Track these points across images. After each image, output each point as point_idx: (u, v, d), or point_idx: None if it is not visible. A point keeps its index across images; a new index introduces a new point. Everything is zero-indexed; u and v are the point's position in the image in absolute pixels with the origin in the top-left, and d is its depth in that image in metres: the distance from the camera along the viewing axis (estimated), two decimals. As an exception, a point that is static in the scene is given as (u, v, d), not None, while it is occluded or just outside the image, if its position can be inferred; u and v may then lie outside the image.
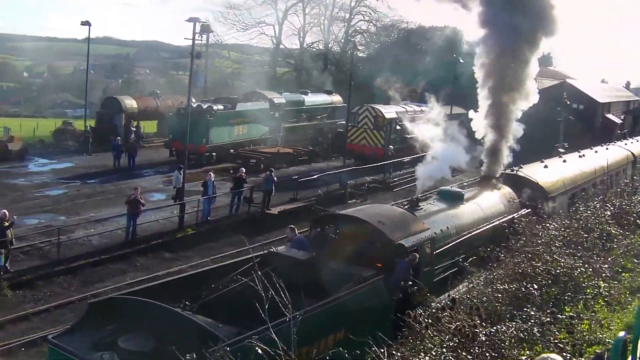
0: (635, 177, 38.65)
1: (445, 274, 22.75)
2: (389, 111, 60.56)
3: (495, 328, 12.68)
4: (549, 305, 14.88)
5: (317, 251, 20.30)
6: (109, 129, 60.68)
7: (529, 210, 29.19)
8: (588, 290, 15.87)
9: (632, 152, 46.48)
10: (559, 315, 13.95)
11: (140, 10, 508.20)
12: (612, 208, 24.61)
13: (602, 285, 16.20)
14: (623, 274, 17.81)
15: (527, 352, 12.11)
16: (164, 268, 31.34)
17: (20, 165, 52.56)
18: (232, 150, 56.95)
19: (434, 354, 11.94)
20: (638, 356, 9.23)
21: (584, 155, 41.50)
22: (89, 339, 14.27)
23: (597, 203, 25.67)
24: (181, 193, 39.42)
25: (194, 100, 49.59)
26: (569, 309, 14.72)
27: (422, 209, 24.28)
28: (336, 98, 75.43)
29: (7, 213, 29.26)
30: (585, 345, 12.59)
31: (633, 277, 17.62)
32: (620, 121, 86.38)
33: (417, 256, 20.42)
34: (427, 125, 33.67)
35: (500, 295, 15.37)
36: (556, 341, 12.45)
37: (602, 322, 13.95)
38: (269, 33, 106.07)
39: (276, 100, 64.40)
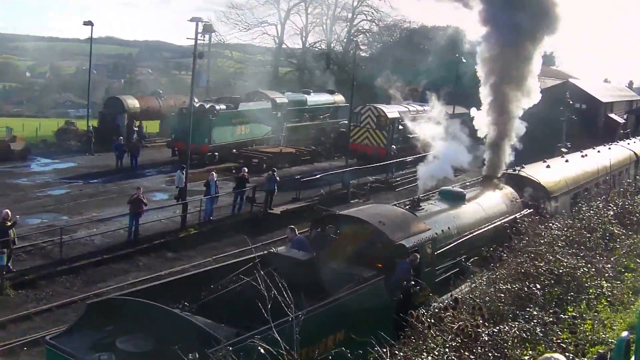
0: (638, 177, 38.62)
1: (447, 274, 22.72)
2: (391, 111, 60.53)
3: (497, 328, 12.66)
4: (552, 305, 14.85)
5: (318, 251, 20.21)
6: (112, 129, 60.68)
7: (531, 210, 29.11)
8: (591, 290, 15.84)
9: (634, 152, 46.37)
10: (561, 315, 13.94)
11: (142, 10, 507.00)
12: (615, 208, 24.57)
13: (605, 285, 16.17)
14: (626, 274, 17.77)
15: (530, 352, 12.08)
16: (167, 268, 31.34)
17: (23, 165, 52.64)
18: (234, 150, 56.98)
19: (436, 353, 11.92)
20: (641, 356, 9.22)
21: (586, 155, 41.43)
22: (87, 339, 14.23)
23: (600, 203, 25.63)
24: (184, 193, 39.40)
25: (196, 100, 49.63)
26: (571, 309, 14.69)
27: (423, 209, 24.22)
28: (339, 98, 75.40)
29: (9, 213, 29.29)
30: (588, 345, 12.57)
31: (636, 277, 17.59)
32: (623, 121, 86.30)
33: (418, 256, 20.37)
34: (430, 125, 33.63)
35: (502, 295, 15.34)
36: (559, 341, 12.42)
37: (605, 322, 13.92)
38: (272, 33, 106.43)
39: (278, 100, 64.43)
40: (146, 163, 55.16)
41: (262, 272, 13.04)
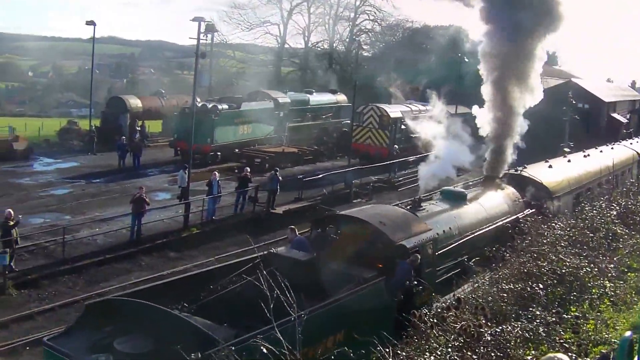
0: (640, 177, 38.61)
1: (448, 275, 22.68)
2: (394, 110, 60.52)
3: (500, 328, 12.66)
4: (555, 305, 14.84)
5: (318, 252, 20.15)
6: (114, 129, 60.73)
7: (533, 210, 29.06)
8: (594, 290, 15.83)
9: (637, 152, 46.33)
10: (564, 315, 13.92)
11: (143, 10, 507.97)
12: (617, 208, 24.54)
13: (608, 285, 16.15)
14: (629, 274, 17.76)
15: (533, 352, 12.08)
16: (169, 267, 31.34)
17: (26, 164, 52.65)
18: (236, 150, 56.94)
19: (439, 353, 11.92)
20: (644, 356, 9.21)
21: (588, 155, 41.39)
22: (85, 340, 14.14)
23: (603, 203, 25.59)
24: (186, 192, 39.41)
25: (198, 100, 49.61)
26: (574, 309, 14.68)
27: (424, 209, 24.16)
28: (341, 97, 75.41)
29: (12, 212, 29.30)
30: (590, 345, 12.55)
31: (639, 277, 17.57)
32: (626, 120, 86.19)
33: (419, 257, 20.30)
34: (432, 125, 33.60)
35: (505, 295, 15.34)
36: (562, 341, 12.42)
37: (608, 322, 13.91)
38: (274, 32, 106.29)
39: (281, 99, 64.42)
40: (149, 163, 55.15)
41: (264, 272, 12.98)
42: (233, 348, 11.92)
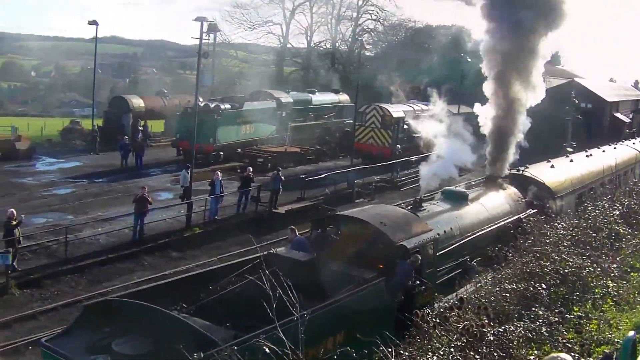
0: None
1: (449, 275, 22.65)
2: (396, 110, 60.57)
3: (503, 328, 12.65)
4: (557, 304, 14.83)
5: (318, 252, 20.09)
6: (117, 128, 60.78)
7: (536, 210, 29.03)
8: (597, 290, 15.81)
9: (640, 152, 46.35)
10: (567, 315, 13.90)
11: (146, 10, 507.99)
12: (620, 207, 24.53)
13: (611, 284, 16.13)
14: (632, 274, 17.75)
15: (535, 351, 12.07)
16: (172, 267, 31.32)
17: (28, 164, 52.66)
18: (239, 150, 56.93)
19: (441, 353, 11.91)
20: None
21: (591, 155, 41.38)
22: (83, 341, 14.09)
23: (606, 202, 25.57)
24: (188, 192, 39.42)
25: (201, 100, 49.62)
26: (577, 309, 14.67)
27: (425, 209, 24.16)
28: (343, 97, 75.44)
29: (14, 212, 29.32)
30: (593, 345, 12.54)
31: (642, 277, 17.57)
32: (629, 120, 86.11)
33: (419, 258, 20.24)
34: (435, 124, 33.58)
35: (508, 295, 15.34)
36: (564, 341, 12.41)
37: (611, 322, 13.90)
38: (276, 32, 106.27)
39: (283, 99, 64.38)
40: (151, 162, 55.17)
41: (267, 272, 12.95)
42: (236, 348, 11.89)
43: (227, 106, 56.25)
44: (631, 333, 9.48)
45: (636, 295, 16.01)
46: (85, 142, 61.78)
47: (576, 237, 20.23)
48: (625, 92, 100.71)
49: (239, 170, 49.67)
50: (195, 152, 42.98)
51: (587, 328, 13.31)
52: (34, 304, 26.67)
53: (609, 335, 12.97)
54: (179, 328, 13.69)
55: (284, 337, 11.23)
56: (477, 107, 32.84)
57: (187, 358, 11.22)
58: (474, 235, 24.86)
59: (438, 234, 22.48)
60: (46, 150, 59.06)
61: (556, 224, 22.83)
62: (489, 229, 25.96)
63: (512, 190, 30.10)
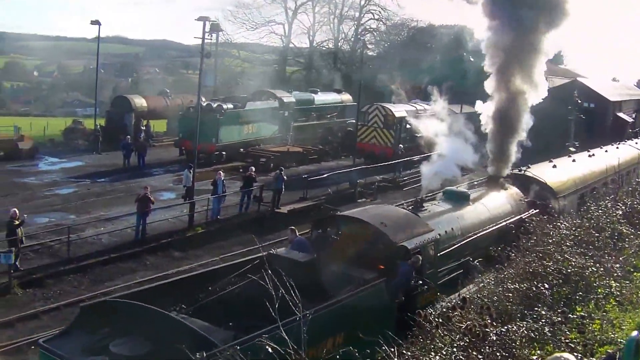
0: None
1: (450, 276, 22.60)
2: (398, 110, 60.57)
3: (506, 327, 12.63)
4: (560, 304, 14.80)
5: (318, 253, 20.02)
6: (119, 128, 60.78)
7: (537, 210, 28.96)
8: (599, 290, 15.78)
9: (643, 151, 46.29)
10: (570, 315, 13.88)
11: (148, 9, 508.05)
12: (623, 207, 24.49)
13: (614, 284, 16.10)
14: (635, 274, 17.69)
15: (538, 351, 12.04)
16: (174, 267, 31.33)
17: (31, 164, 52.71)
18: (241, 149, 56.96)
19: (444, 353, 11.90)
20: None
21: (593, 155, 41.35)
22: (81, 342, 14.05)
23: (609, 202, 25.53)
24: (191, 192, 39.46)
25: (203, 99, 49.62)
26: (580, 309, 14.64)
27: (426, 209, 24.12)
28: (346, 97, 75.42)
29: (17, 211, 29.40)
30: (596, 345, 12.52)
31: (645, 277, 17.54)
32: (632, 120, 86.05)
33: (420, 258, 20.14)
34: (437, 124, 33.54)
35: (511, 295, 15.31)
36: (567, 341, 12.39)
37: (614, 321, 13.86)
38: (279, 32, 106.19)
39: (286, 99, 64.41)
40: (153, 162, 55.20)
41: (270, 272, 12.91)
42: (238, 347, 11.86)
43: (230, 106, 56.27)
44: (634, 333, 9.47)
45: (639, 295, 15.98)
46: (88, 142, 61.80)
47: (579, 237, 20.18)
48: (628, 91, 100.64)
49: (241, 170, 49.64)
50: (198, 151, 42.99)
51: (590, 328, 13.28)
52: (36, 303, 26.72)
53: (612, 335, 12.94)
54: (177, 329, 13.65)
55: (286, 337, 11.21)
56: (479, 105, 32.77)
57: (185, 359, 11.19)
58: (476, 236, 24.82)
59: (439, 234, 22.41)
60: (49, 150, 59.10)
61: (559, 223, 22.79)
62: (490, 230, 25.91)
63: (513, 191, 30.05)
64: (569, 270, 16.55)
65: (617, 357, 10.12)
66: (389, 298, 18.67)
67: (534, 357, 11.64)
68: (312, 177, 46.94)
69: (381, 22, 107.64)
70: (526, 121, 31.61)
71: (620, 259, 18.53)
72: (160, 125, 73.34)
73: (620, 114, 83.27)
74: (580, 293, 15.69)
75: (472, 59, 65.33)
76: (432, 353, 11.97)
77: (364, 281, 18.38)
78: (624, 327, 13.53)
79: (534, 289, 15.42)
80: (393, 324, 17.11)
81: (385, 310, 18.34)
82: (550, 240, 20.03)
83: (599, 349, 12.31)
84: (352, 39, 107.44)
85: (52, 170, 51.17)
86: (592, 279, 16.24)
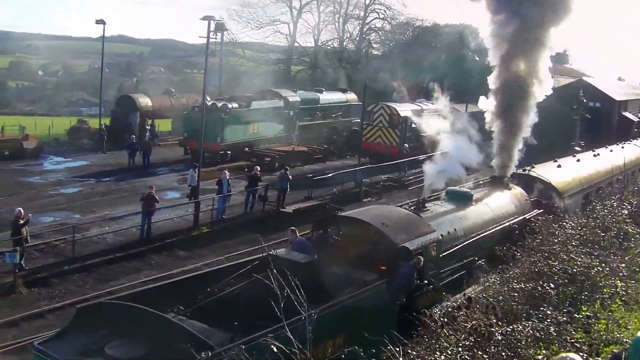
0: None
1: (453, 277, 22.53)
2: (404, 109, 60.48)
3: (511, 327, 12.61)
4: (566, 304, 14.80)
5: (319, 254, 19.90)
6: (124, 127, 60.89)
7: (541, 211, 28.85)
8: (605, 290, 15.76)
9: (648, 151, 46.17)
10: (575, 315, 13.86)
11: (154, 8, 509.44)
12: (629, 207, 24.46)
13: (619, 284, 16.08)
14: (640, 273, 17.71)
15: (544, 351, 12.03)
16: (179, 266, 31.31)
17: (35, 163, 52.72)
18: (246, 149, 56.94)
19: (449, 353, 11.88)
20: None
21: (598, 154, 41.27)
22: (76, 345, 13.91)
23: (614, 202, 25.49)
24: (196, 191, 39.44)
25: (208, 99, 49.61)
26: (585, 309, 14.62)
27: (428, 210, 23.98)
28: (351, 96, 75.34)
29: (22, 211, 29.37)
30: (602, 344, 12.50)
31: (650, 276, 17.52)
32: (638, 119, 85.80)
33: (422, 259, 19.96)
34: (442, 123, 33.50)
35: (516, 295, 15.31)
36: (573, 341, 12.37)
37: (620, 321, 13.85)
38: (284, 31, 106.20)
39: (291, 98, 64.33)
40: (158, 161, 55.19)
41: (270, 272, 12.83)
42: (244, 347, 11.81)
43: (235, 105, 56.21)
44: (640, 333, 9.44)
45: (645, 294, 15.97)
46: (93, 141, 61.80)
47: (584, 237, 20.16)
48: (634, 90, 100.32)
49: (246, 170, 49.65)
50: (203, 151, 42.99)
51: (596, 328, 13.27)
52: (41, 302, 26.72)
53: (618, 335, 12.92)
54: (174, 331, 13.54)
55: (291, 337, 11.17)
56: (482, 101, 32.62)
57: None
58: (478, 237, 24.72)
59: (441, 235, 22.28)
60: (53, 149, 59.12)
61: (564, 223, 22.76)
62: (493, 230, 25.82)
63: (517, 191, 29.95)
64: (575, 270, 16.53)
65: (623, 357, 10.10)
66: (390, 299, 18.58)
67: (540, 357, 11.63)
68: (317, 176, 46.87)
69: (386, 22, 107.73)
70: (531, 117, 31.42)
71: (626, 258, 18.51)
72: (165, 124, 73.38)
73: (626, 114, 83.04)
74: (586, 293, 15.68)
75: (477, 58, 65.20)
76: (437, 352, 11.96)
77: (364, 282, 18.28)
78: (629, 327, 13.52)
79: (540, 288, 15.41)
80: (394, 325, 17.01)
81: (387, 312, 18.27)
82: (555, 240, 20.02)
83: (605, 349, 12.29)
84: (357, 38, 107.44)
85: (57, 170, 51.21)
86: (598, 278, 16.21)
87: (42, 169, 51.45)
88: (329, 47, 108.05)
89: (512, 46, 30.38)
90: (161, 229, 35.63)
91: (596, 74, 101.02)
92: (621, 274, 16.86)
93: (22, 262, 28.41)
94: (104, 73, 74.85)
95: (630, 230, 21.48)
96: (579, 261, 16.95)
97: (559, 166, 34.95)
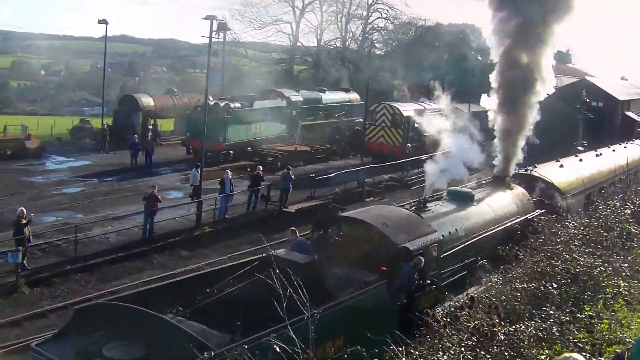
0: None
1: (454, 277, 22.48)
2: (406, 109, 60.44)
3: (514, 327, 12.59)
4: (568, 304, 14.77)
5: (319, 254, 19.85)
6: (126, 127, 60.95)
7: (543, 211, 28.76)
8: (608, 290, 15.73)
9: (652, 150, 46.10)
10: (578, 315, 13.84)
11: (156, 8, 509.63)
12: (632, 207, 24.41)
13: (622, 284, 16.05)
14: (643, 273, 17.67)
15: (546, 351, 12.01)
16: (181, 266, 31.33)
17: (38, 163, 52.84)
18: (249, 148, 56.98)
19: (452, 352, 11.86)
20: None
21: (601, 154, 41.20)
22: (74, 346, 13.86)
23: (617, 201, 25.45)
24: (198, 191, 39.46)
25: (211, 98, 49.61)
26: (588, 308, 14.60)
27: (429, 210, 23.89)
28: (353, 96, 75.32)
29: (24, 210, 29.41)
30: (605, 344, 12.48)
31: (653, 276, 17.47)
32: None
33: (422, 260, 19.83)
34: (445, 123, 33.47)
35: (519, 294, 15.28)
36: (575, 340, 12.35)
37: (622, 321, 13.82)
38: (286, 31, 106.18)
39: (293, 98, 64.38)
40: (161, 161, 55.26)
41: (272, 272, 12.78)
42: (246, 347, 11.78)
43: (237, 105, 56.25)
44: (643, 333, 9.43)
45: (648, 294, 15.94)
46: (95, 141, 61.88)
47: (587, 237, 20.12)
48: (637, 90, 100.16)
49: (248, 169, 49.65)
50: (205, 150, 42.99)
51: (599, 328, 13.24)
52: (43, 302, 26.76)
53: (621, 335, 12.90)
54: (172, 332, 13.48)
55: (294, 336, 11.15)
56: (484, 99, 32.53)
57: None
58: (480, 237, 24.65)
59: (442, 235, 22.16)
60: (56, 149, 59.25)
61: (567, 223, 22.72)
62: (495, 230, 25.75)
63: (519, 191, 29.88)
64: (578, 270, 16.50)
65: (626, 356, 10.08)
66: (390, 300, 18.54)
67: (542, 357, 11.61)
68: (319, 176, 46.84)
69: (389, 21, 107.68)
70: (533, 115, 31.30)
71: (629, 258, 18.47)
72: (167, 124, 73.42)
73: (629, 113, 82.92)
74: (589, 292, 15.64)
75: (479, 58, 65.18)
76: (440, 352, 11.94)
77: (364, 283, 18.20)
78: (632, 327, 13.50)
79: (542, 288, 15.39)
80: (395, 326, 16.92)
81: (387, 312, 18.23)
82: (558, 240, 19.98)
83: (608, 349, 12.27)
84: (360, 38, 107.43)
85: (59, 169, 51.28)
86: (601, 278, 16.18)
87: (45, 168, 51.54)
88: (331, 47, 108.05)
89: (514, 41, 30.28)
90: (163, 228, 35.64)
91: (599, 73, 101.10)
92: (624, 273, 16.83)
93: (24, 261, 28.45)
94: (107, 73, 74.86)
95: (633, 230, 21.44)
96: (582, 261, 16.91)
97: (561, 166, 34.90)
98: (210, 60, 41.87)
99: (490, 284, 17.97)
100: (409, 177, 53.37)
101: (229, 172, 40.69)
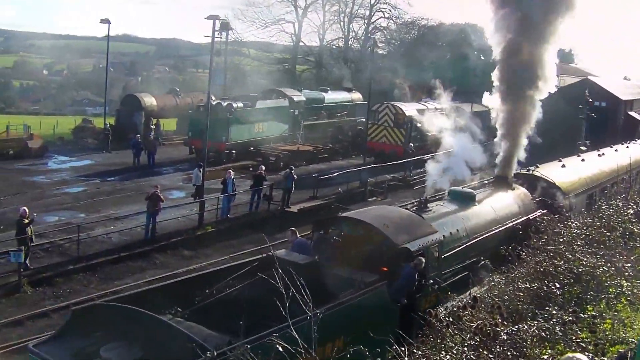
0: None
1: (455, 278, 22.42)
2: (409, 108, 60.45)
3: (516, 327, 12.57)
4: (571, 304, 14.74)
5: (319, 255, 19.81)
6: (129, 127, 60.90)
7: (545, 211, 28.70)
8: (611, 289, 15.70)
9: (655, 150, 45.97)
10: (581, 315, 13.80)
11: (158, 8, 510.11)
12: (635, 206, 24.36)
13: (625, 284, 16.00)
14: (646, 273, 17.64)
15: (549, 351, 11.99)
16: (184, 266, 31.35)
17: (40, 162, 52.85)
18: (251, 148, 56.98)
19: (454, 352, 11.85)
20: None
21: (603, 154, 41.10)
22: (71, 347, 13.83)
23: (620, 201, 25.40)
24: (201, 191, 39.46)
25: (213, 98, 49.61)
26: (591, 308, 14.57)
27: (430, 210, 23.75)
28: (356, 95, 75.40)
29: (27, 210, 29.45)
30: (608, 344, 12.46)
31: (656, 276, 17.45)
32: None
33: (423, 260, 19.76)
34: (447, 122, 33.44)
35: (521, 294, 15.26)
36: (578, 340, 12.32)
37: (625, 321, 13.79)
38: (289, 30, 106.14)
39: (296, 97, 64.38)
40: (163, 161, 55.30)
41: (272, 273, 12.75)
42: (249, 346, 11.77)
43: (240, 105, 56.24)
44: (646, 333, 9.42)
45: (650, 294, 15.92)
46: (98, 141, 61.99)
47: (590, 236, 20.08)
48: (639, 90, 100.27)
49: (251, 169, 49.63)
50: (208, 150, 42.98)
51: (601, 327, 13.21)
52: (46, 301, 26.82)
53: (624, 335, 12.87)
54: (170, 333, 13.41)
55: (296, 336, 11.13)
56: (487, 97, 32.46)
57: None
58: (481, 237, 24.57)
59: (443, 235, 22.05)
60: (58, 148, 59.31)
61: (570, 222, 22.68)
62: (496, 231, 25.68)
63: (521, 191, 29.78)
64: (580, 270, 16.46)
65: (629, 356, 10.06)
66: (391, 300, 18.48)
67: (545, 357, 11.59)
68: (322, 176, 46.87)
69: (391, 21, 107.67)
70: (536, 112, 31.18)
71: (632, 258, 18.41)
72: (169, 124, 73.39)
73: (632, 113, 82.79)
74: (592, 292, 15.61)
75: (482, 58, 65.14)
76: (443, 352, 11.93)
77: (365, 283, 18.14)
78: (635, 327, 13.47)
79: (545, 288, 15.36)
80: (396, 327, 16.90)
81: (388, 313, 18.17)
82: (561, 240, 19.93)
83: (611, 349, 12.24)
84: (362, 37, 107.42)
85: (61, 169, 51.32)
86: (604, 278, 16.15)
87: (47, 168, 51.55)
88: (334, 47, 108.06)
89: (516, 36, 30.19)
90: (166, 228, 35.67)
91: (602, 73, 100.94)
92: (627, 273, 16.78)
93: (26, 261, 28.49)
94: (109, 72, 74.86)
95: (636, 230, 21.38)
96: (585, 261, 16.87)
97: (563, 166, 34.80)
98: (213, 60, 41.88)
99: (492, 283, 17.94)
100: (411, 177, 53.40)
101: (231, 171, 40.73)
